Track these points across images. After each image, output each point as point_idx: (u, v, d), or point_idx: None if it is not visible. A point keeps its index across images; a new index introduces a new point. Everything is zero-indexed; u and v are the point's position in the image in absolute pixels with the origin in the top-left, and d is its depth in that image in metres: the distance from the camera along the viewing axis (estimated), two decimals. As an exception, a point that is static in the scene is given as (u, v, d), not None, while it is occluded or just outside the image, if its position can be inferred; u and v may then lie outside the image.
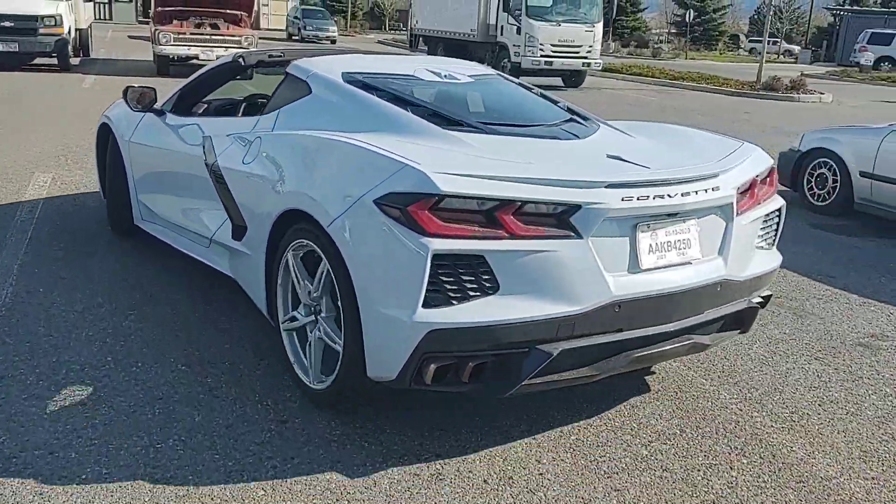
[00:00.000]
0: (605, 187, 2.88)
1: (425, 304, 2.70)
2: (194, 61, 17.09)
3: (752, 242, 3.45)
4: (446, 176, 2.75)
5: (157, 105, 4.73)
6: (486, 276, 2.75)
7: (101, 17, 42.95)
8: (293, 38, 44.96)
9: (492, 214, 2.74)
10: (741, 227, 3.31)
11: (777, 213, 3.65)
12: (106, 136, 5.38)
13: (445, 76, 4.20)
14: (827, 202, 7.32)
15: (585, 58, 19.93)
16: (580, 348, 2.90)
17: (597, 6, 20.14)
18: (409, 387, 2.86)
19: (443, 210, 2.71)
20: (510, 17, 19.81)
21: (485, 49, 21.57)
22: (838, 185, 7.18)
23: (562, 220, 2.82)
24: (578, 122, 3.96)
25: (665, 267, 3.07)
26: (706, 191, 3.12)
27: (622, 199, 2.89)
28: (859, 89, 25.86)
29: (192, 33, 16.82)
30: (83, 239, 5.40)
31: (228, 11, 17.79)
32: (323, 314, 3.20)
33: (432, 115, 3.55)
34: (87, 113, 11.14)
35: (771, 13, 24.05)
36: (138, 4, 54.00)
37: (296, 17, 46.24)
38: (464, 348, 2.78)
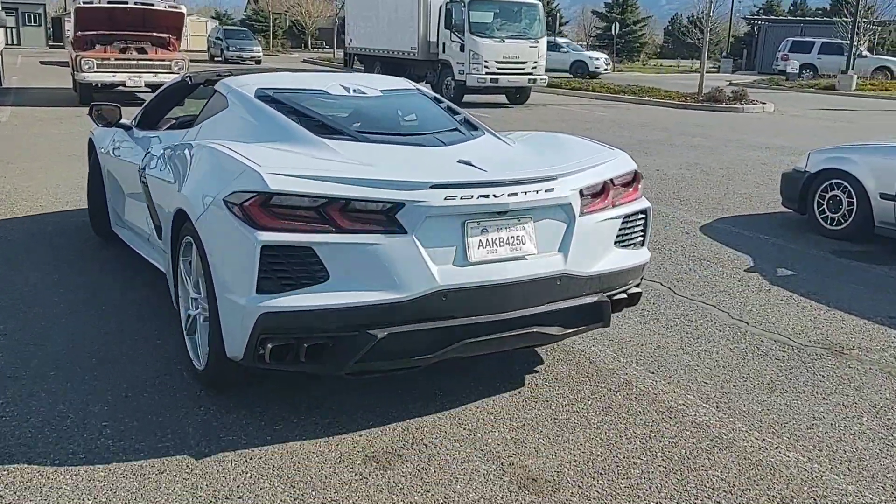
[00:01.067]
0: (430, 188, 3.20)
1: (258, 290, 3.05)
2: (121, 88, 15.92)
3: (607, 241, 3.70)
4: (278, 176, 3.10)
5: (126, 121, 5.33)
6: (316, 266, 3.07)
7: (10, 42, 40.60)
8: (216, 59, 43.50)
9: (320, 211, 3.08)
10: (587, 226, 3.56)
11: (642, 215, 3.90)
12: (92, 149, 6.00)
13: (354, 91, 4.58)
14: (842, 226, 6.84)
15: (531, 74, 19.47)
16: (409, 332, 3.18)
17: (540, 21, 19.73)
18: (256, 365, 3.19)
19: (274, 206, 3.05)
20: (453, 34, 19.21)
21: (426, 67, 20.91)
22: (855, 208, 6.71)
23: (387, 216, 3.15)
24: (460, 132, 4.28)
25: (496, 261, 3.33)
26: (537, 192, 3.39)
27: (444, 199, 3.19)
28: (792, 98, 26.21)
29: (117, 59, 15.63)
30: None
31: (155, 34, 16.65)
32: (200, 303, 3.57)
33: (317, 126, 3.93)
34: (8, 154, 9.97)
35: (707, 26, 24.07)
36: (48, 28, 51.58)
37: (217, 38, 44.78)
38: (296, 331, 3.10)
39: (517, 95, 20.36)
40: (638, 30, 69.84)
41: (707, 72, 36.93)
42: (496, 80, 19.04)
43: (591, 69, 37.03)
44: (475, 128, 4.47)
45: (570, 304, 3.53)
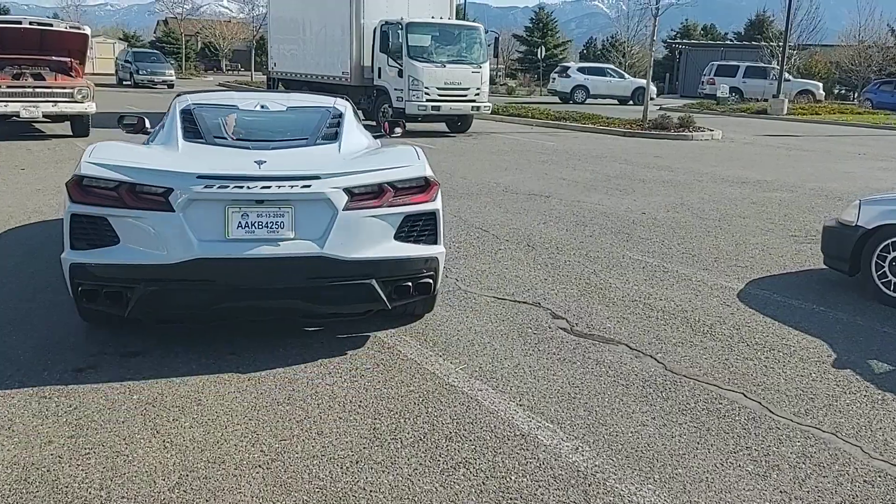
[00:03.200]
0: (197, 178, 4.12)
1: (71, 248, 4.17)
2: (16, 119, 13.87)
3: (380, 233, 4.34)
4: (91, 165, 4.21)
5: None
6: (110, 232, 4.13)
7: None
8: (124, 83, 40.88)
9: (114, 191, 4.11)
10: (351, 218, 4.25)
11: (429, 217, 4.53)
12: None
13: (262, 107, 5.62)
14: (912, 294, 5.69)
15: (474, 101, 18.22)
16: (178, 290, 4.19)
17: (482, 45, 18.54)
18: (79, 305, 4.38)
19: (85, 186, 4.15)
20: (389, 58, 17.81)
21: (360, 94, 19.38)
22: (928, 272, 5.57)
23: (163, 198, 4.09)
24: (305, 141, 4.99)
25: (253, 240, 4.14)
26: (291, 187, 4.17)
27: (204, 187, 4.09)
28: (731, 123, 25.81)
29: (9, 86, 13.59)
30: None
31: (55, 58, 14.65)
32: None
33: (195, 132, 4.98)
34: None
35: (651, 51, 23.39)
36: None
37: (126, 61, 42.10)
38: (96, 279, 4.17)
39: (458, 123, 19.08)
40: (558, 53, 70.09)
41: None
42: (438, 108, 17.71)
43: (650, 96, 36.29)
44: (332, 139, 5.09)
45: (331, 283, 4.27)
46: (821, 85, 39.54)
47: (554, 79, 39.22)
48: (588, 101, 36.19)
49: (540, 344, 4.81)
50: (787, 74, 35.97)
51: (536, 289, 6.01)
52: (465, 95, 18.03)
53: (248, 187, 4.12)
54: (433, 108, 17.62)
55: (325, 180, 4.23)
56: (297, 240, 4.18)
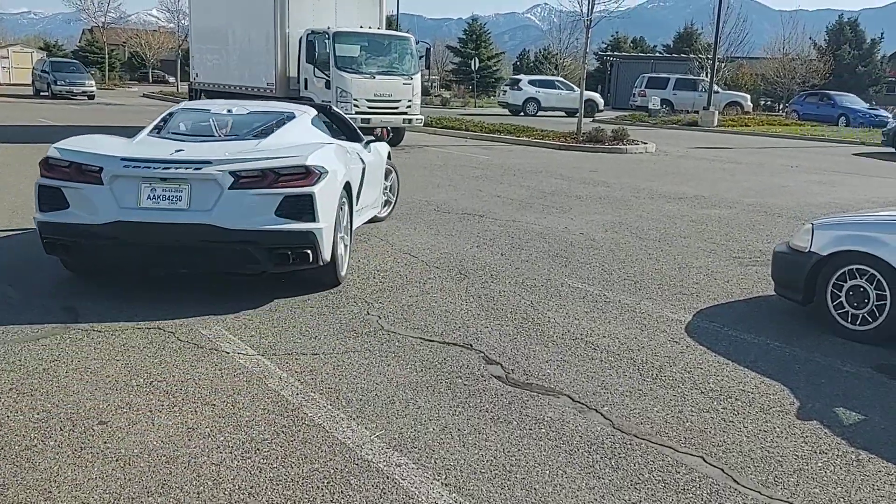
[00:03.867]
0: (120, 159, 5.53)
1: (39, 210, 5.63)
2: None
3: (262, 209, 5.44)
4: (55, 149, 5.74)
5: None
6: (62, 199, 5.51)
7: None
8: (41, 94, 39.00)
9: (65, 169, 5.56)
10: (236, 196, 5.40)
11: (306, 198, 5.53)
12: None
13: (229, 111, 7.06)
14: (870, 326, 5.27)
15: (406, 113, 17.63)
16: (104, 244, 5.54)
17: (413, 56, 17.97)
18: (49, 254, 5.88)
19: (49, 164, 5.63)
20: (316, 69, 17.07)
21: (286, 106, 18.63)
22: (888, 303, 5.15)
23: (96, 175, 5.47)
24: (237, 137, 6.38)
25: (157, 209, 5.43)
26: (186, 169, 5.44)
27: (124, 167, 5.47)
28: (663, 135, 25.82)
29: None
30: None
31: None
32: None
33: (160, 129, 6.64)
34: None
35: (584, 63, 23.19)
36: None
37: (44, 71, 40.16)
38: (54, 234, 5.59)
39: (390, 137, 18.42)
40: (493, 65, 70.15)
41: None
42: (367, 121, 17.01)
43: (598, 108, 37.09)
44: (264, 135, 6.38)
45: (216, 246, 5.48)
46: (748, 97, 40.23)
47: (505, 91, 39.13)
48: (539, 113, 36.11)
49: (471, 398, 4.19)
50: (716, 86, 36.47)
51: (469, 326, 5.40)
52: (397, 108, 17.41)
53: (155, 168, 5.47)
54: (363, 120, 16.90)
55: (214, 165, 5.46)
56: (190, 211, 5.42)
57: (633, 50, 67.61)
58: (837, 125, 33.01)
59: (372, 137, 8.31)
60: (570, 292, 6.37)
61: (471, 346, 5.02)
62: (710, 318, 5.80)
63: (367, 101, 16.96)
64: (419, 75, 18.12)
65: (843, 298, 5.40)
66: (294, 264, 5.72)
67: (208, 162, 5.47)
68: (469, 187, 12.26)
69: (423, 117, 18.21)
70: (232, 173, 5.41)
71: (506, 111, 37.57)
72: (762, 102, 51.23)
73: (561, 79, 41.82)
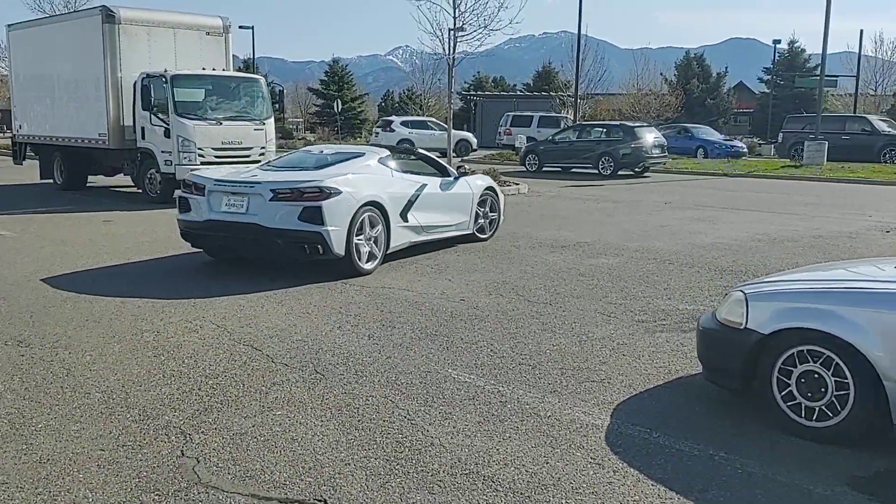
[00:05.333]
0: (214, 181, 8.63)
1: (178, 212, 9.06)
2: None
3: (290, 215, 8.08)
4: (190, 175, 9.97)
5: None
6: (187, 205, 8.79)
7: None
8: None
9: (190, 186, 8.88)
10: (272, 205, 8.13)
11: (316, 208, 8.06)
12: None
13: (320, 151, 10.16)
14: (830, 422, 4.21)
15: (259, 162, 15.92)
16: (204, 234, 8.79)
17: (264, 99, 16.40)
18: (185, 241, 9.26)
19: (184, 184, 9.28)
20: (153, 116, 15.21)
21: (122, 158, 16.64)
22: (852, 393, 4.12)
23: (202, 189, 8.60)
24: (304, 168, 9.26)
25: (229, 211, 8.39)
26: (245, 188, 8.35)
27: (214, 185, 8.55)
28: (530, 173, 25.29)
29: None
30: None
31: None
32: None
33: (270, 164, 10.42)
34: None
35: (451, 103, 22.32)
36: None
37: None
38: (185, 227, 8.99)
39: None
40: (357, 106, 69.17)
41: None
42: (216, 172, 15.30)
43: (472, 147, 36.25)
44: (322, 167, 9.10)
45: (259, 239, 8.27)
46: (609, 132, 40.83)
47: (377, 133, 37.93)
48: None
49: None
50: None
51: (323, 466, 3.95)
52: (248, 156, 15.71)
53: (229, 186, 8.51)
54: (210, 172, 15.21)
55: (262, 186, 8.29)
56: (247, 214, 8.31)
57: (495, 89, 68.40)
58: (696, 157, 33.81)
59: (464, 171, 11.05)
60: (456, 391, 5.04)
61: (324, 502, 3.58)
62: (632, 419, 4.60)
63: (214, 149, 15.21)
64: (272, 119, 16.54)
65: (792, 387, 4.33)
66: (311, 255, 8.28)
67: (259, 183, 8.37)
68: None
69: (279, 165, 16.63)
70: (272, 190, 8.20)
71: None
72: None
73: (433, 119, 41.25)
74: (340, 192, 8.26)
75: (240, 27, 47.34)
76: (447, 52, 19.74)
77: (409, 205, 9.43)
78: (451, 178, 10.46)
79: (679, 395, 5.03)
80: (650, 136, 24.76)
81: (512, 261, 9.72)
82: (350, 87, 69.53)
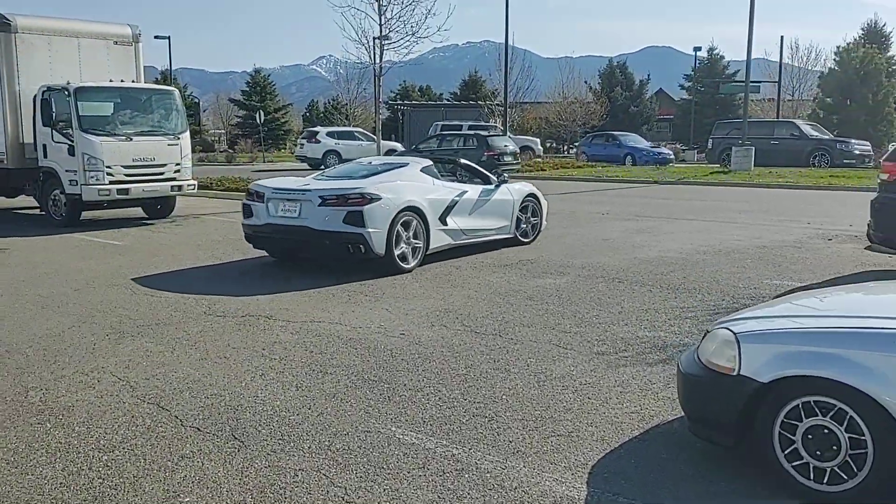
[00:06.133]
0: (272, 189, 9.77)
1: (243, 217, 10.18)
2: None
3: (336, 219, 9.10)
4: (252, 183, 11.50)
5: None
6: (249, 210, 9.97)
7: None
8: None
9: (252, 195, 10.10)
10: (321, 210, 9.16)
11: (358, 213, 9.08)
12: None
13: (368, 162, 11.35)
14: (846, 486, 3.60)
15: (174, 179, 14.86)
16: (263, 236, 10.00)
17: (179, 112, 15.28)
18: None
19: (247, 192, 10.55)
20: (55, 132, 13.98)
21: (23, 178, 15.27)
22: (871, 451, 3.52)
23: (262, 197, 9.77)
24: (356, 177, 10.18)
25: (284, 216, 9.55)
26: (299, 194, 9.50)
27: (272, 193, 9.72)
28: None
29: None
30: None
31: None
32: None
33: (324, 174, 11.35)
34: None
35: (378, 116, 21.51)
36: None
37: None
38: (248, 231, 10.14)
39: (158, 207, 15.59)
40: (280, 117, 67.69)
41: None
42: (126, 191, 14.15)
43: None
44: (368, 176, 10.02)
45: (310, 240, 9.35)
46: (539, 141, 40.80)
47: (302, 144, 36.71)
48: None
49: None
50: (508, 132, 36.46)
51: (241, 578, 3.13)
52: (162, 173, 14.64)
53: (284, 193, 9.65)
54: (119, 191, 14.03)
55: (312, 193, 9.38)
56: (299, 218, 9.39)
57: (422, 98, 67.89)
58: (625, 164, 33.85)
59: (504, 179, 11.77)
60: (403, 457, 4.26)
61: None
62: (612, 487, 3.91)
63: (124, 167, 14.07)
64: (188, 134, 15.44)
65: (798, 445, 3.71)
66: (354, 254, 9.24)
67: (309, 190, 9.41)
68: (253, 272, 9.90)
69: (195, 182, 15.50)
70: (320, 196, 9.23)
71: (304, 165, 35.44)
72: (547, 144, 52.67)
73: (360, 129, 40.39)
74: (381, 198, 9.27)
75: (155, 37, 45.60)
76: (373, 61, 18.96)
77: (449, 210, 10.32)
78: (493, 186, 11.26)
79: (660, 450, 4.36)
80: (502, 145, 26.95)
81: (453, 284, 9.00)
82: (273, 97, 68.02)
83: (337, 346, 6.45)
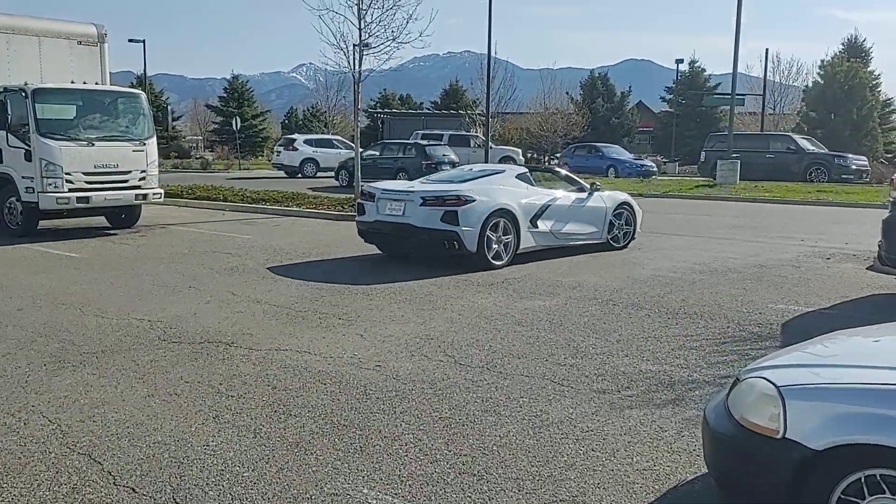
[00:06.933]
0: (381, 190, 10.93)
1: (357, 215, 11.66)
2: None
3: (434, 217, 10.17)
4: (363, 185, 14.20)
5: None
6: (362, 209, 11.14)
7: None
8: None
9: (365, 194, 11.33)
10: (424, 209, 10.25)
11: (454, 212, 10.12)
12: None
13: (469, 169, 12.39)
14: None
15: (139, 187, 14.03)
16: (373, 231, 11.13)
17: (146, 116, 14.46)
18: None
19: (361, 193, 12.53)
20: (11, 136, 13.13)
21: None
22: (954, 541, 2.84)
23: (373, 197, 10.90)
24: (454, 182, 11.22)
25: (390, 213, 10.62)
26: (402, 194, 10.65)
27: (381, 193, 10.85)
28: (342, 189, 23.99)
29: None
30: None
31: None
32: None
33: (429, 178, 12.38)
34: None
35: (357, 124, 20.72)
36: None
37: None
38: (361, 226, 11.33)
39: (122, 216, 14.74)
40: (258, 124, 66.69)
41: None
42: (87, 200, 13.30)
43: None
44: (469, 181, 11.06)
45: (411, 236, 10.52)
46: (520, 151, 40.17)
47: (279, 152, 35.88)
48: (319, 174, 33.36)
49: None
50: (490, 143, 35.83)
51: None
52: (126, 181, 13.81)
53: (391, 194, 10.72)
54: (79, 199, 13.18)
55: (415, 194, 10.44)
56: (403, 216, 10.40)
57: (402, 107, 67.16)
58: (607, 176, 33.36)
59: (597, 185, 12.49)
60: (376, 530, 3.53)
61: None
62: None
63: (85, 174, 13.22)
64: (155, 139, 14.60)
65: (862, 526, 3.04)
66: (449, 250, 10.29)
67: (413, 191, 10.55)
68: (219, 289, 9.12)
69: (161, 191, 14.66)
70: (422, 198, 10.34)
71: (281, 173, 34.67)
72: (529, 155, 52.13)
73: (339, 137, 39.64)
74: (475, 200, 10.27)
75: (129, 41, 44.59)
76: (352, 67, 18.23)
77: (540, 213, 11.14)
78: (586, 194, 12.01)
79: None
80: (440, 154, 27.08)
81: (434, 305, 8.28)
82: (251, 103, 67.01)
83: (304, 380, 5.71)
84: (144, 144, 14.13)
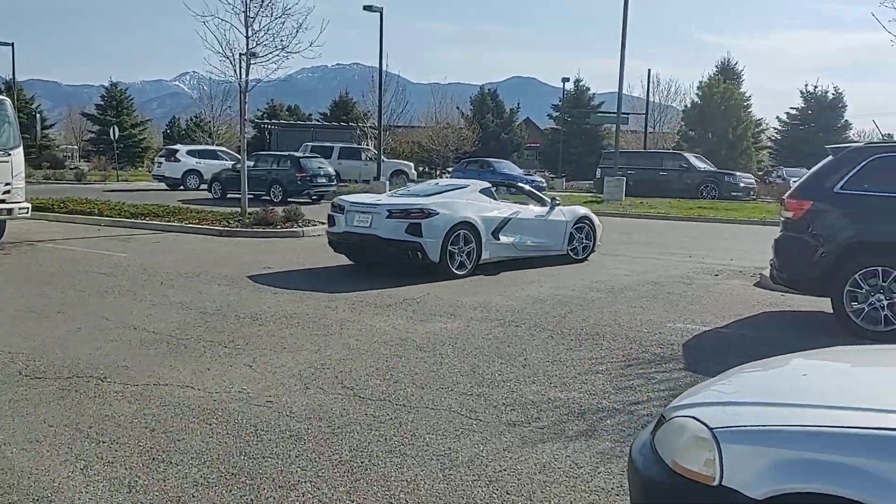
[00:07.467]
0: (349, 203, 11.61)
1: (328, 226, 12.39)
2: None
3: (398, 229, 10.82)
4: (336, 198, 14.72)
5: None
6: (332, 220, 11.85)
7: None
8: None
9: (335, 206, 11.91)
10: (389, 222, 10.88)
11: (417, 224, 10.79)
12: None
13: (435, 183, 14.40)
14: None
15: (3, 201, 12.89)
16: (340, 242, 11.78)
17: (10, 124, 13.32)
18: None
19: (332, 205, 12.45)
20: None
21: None
22: None
23: (342, 209, 11.55)
24: (421, 196, 11.93)
25: (357, 226, 11.27)
26: (370, 207, 11.28)
27: (350, 206, 11.47)
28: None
29: None
30: None
31: None
32: None
33: (397, 192, 13.33)
34: None
35: (244, 134, 19.91)
36: None
37: None
38: (331, 237, 12.08)
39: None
40: (137, 133, 63.97)
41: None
42: (-60, 216, 12.06)
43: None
44: (435, 195, 11.69)
45: (378, 246, 11.07)
46: (413, 165, 40.07)
47: (160, 163, 34.20)
48: (202, 187, 31.94)
49: None
50: (382, 156, 35.50)
51: None
52: (-12, 195, 12.64)
53: (359, 207, 11.28)
54: (-69, 215, 11.94)
55: (381, 207, 11.03)
56: (370, 228, 10.95)
57: (290, 117, 65.89)
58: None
59: (557, 201, 13.08)
60: None
61: None
62: None
63: (-61, 187, 12.02)
64: (21, 149, 13.47)
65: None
66: (414, 260, 10.85)
67: (380, 204, 11.13)
68: (90, 313, 8.34)
69: (28, 205, 13.49)
70: (388, 210, 10.91)
71: (162, 185, 33.13)
72: (420, 169, 52.17)
73: (224, 148, 38.35)
74: (438, 213, 10.88)
75: (-2, 43, 41.75)
76: (239, 77, 17.50)
77: (501, 226, 11.79)
78: (547, 208, 12.71)
79: (611, 577, 3.40)
80: (315, 166, 27.17)
81: (329, 330, 7.82)
82: (130, 112, 64.28)
83: (186, 420, 5.15)
84: (9, 154, 13.03)
